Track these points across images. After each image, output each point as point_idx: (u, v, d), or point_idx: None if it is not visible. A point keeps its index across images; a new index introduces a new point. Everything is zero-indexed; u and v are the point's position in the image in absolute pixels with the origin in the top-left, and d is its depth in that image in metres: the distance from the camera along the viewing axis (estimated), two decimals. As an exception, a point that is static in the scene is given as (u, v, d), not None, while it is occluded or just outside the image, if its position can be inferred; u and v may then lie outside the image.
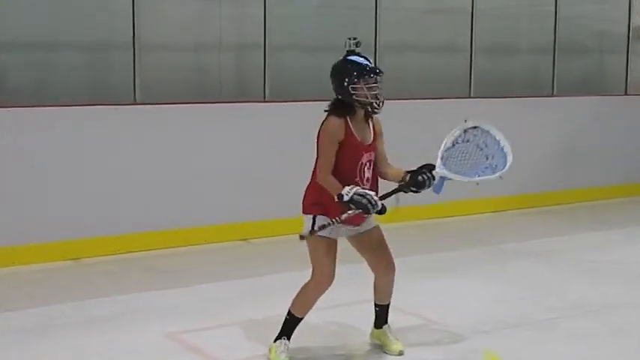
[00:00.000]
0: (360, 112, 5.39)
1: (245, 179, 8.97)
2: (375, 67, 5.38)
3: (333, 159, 5.30)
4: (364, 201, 5.15)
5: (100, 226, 8.27)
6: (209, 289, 7.30)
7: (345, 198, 5.14)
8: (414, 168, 5.49)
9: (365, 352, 5.85)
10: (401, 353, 5.75)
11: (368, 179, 5.44)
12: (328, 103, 5.46)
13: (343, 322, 6.37)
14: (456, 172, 5.61)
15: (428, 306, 6.78)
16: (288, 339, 5.52)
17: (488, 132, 5.77)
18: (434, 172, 5.47)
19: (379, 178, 5.57)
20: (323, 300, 6.28)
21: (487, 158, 5.73)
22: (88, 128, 8.20)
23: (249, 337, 6.01)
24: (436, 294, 7.20)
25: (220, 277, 7.66)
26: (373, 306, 5.87)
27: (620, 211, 11.26)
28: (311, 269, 5.47)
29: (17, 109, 7.91)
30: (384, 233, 5.68)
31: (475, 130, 5.75)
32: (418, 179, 5.42)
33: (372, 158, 5.48)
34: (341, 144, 5.31)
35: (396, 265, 5.78)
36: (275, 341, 5.52)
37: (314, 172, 5.41)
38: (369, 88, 5.29)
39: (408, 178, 5.46)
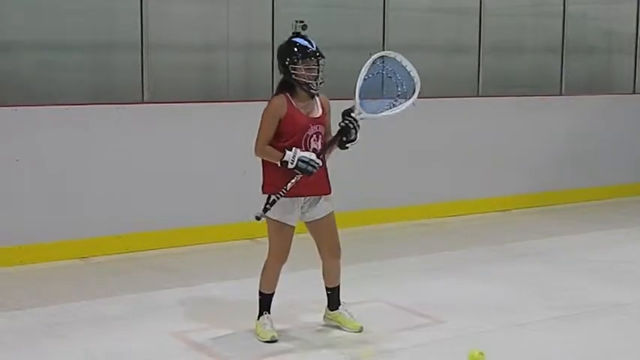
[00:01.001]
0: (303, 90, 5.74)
1: (252, 178, 8.94)
2: (317, 51, 5.71)
3: (271, 134, 5.70)
4: (310, 168, 5.57)
5: (108, 225, 8.30)
6: (216, 288, 7.33)
7: (290, 165, 5.56)
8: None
9: (368, 350, 5.88)
10: (361, 329, 6.00)
11: (314, 150, 5.74)
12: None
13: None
14: (374, 110, 5.79)
15: (430, 304, 6.79)
16: (269, 312, 5.96)
17: (394, 59, 5.89)
18: (353, 116, 5.67)
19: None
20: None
21: (397, 86, 5.85)
22: (96, 127, 8.23)
23: (255, 336, 6.01)
24: (438, 292, 7.21)
25: (227, 276, 7.69)
26: (325, 290, 6.10)
27: (627, 211, 11.23)
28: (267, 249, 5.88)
29: (24, 109, 7.94)
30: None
31: (382, 59, 5.88)
32: (341, 126, 5.68)
33: (321, 131, 5.80)
34: (284, 119, 5.70)
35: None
36: (258, 318, 5.95)
37: None
38: (308, 69, 5.67)
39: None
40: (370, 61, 5.82)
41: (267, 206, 5.62)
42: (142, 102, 8.57)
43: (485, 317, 6.54)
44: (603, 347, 6.00)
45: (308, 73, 5.66)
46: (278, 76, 9.19)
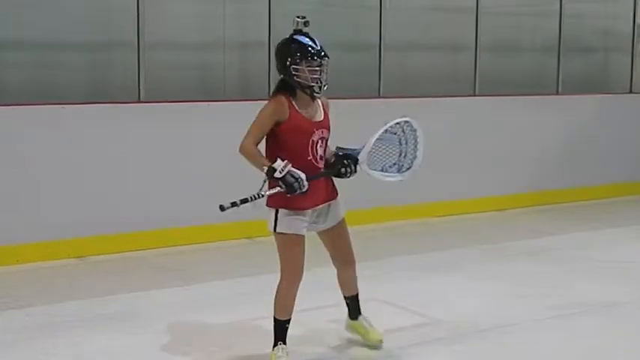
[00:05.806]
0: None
1: (249, 177, 8.94)
2: (320, 50, 5.25)
3: (263, 134, 5.26)
4: (296, 184, 5.07)
5: (105, 224, 8.29)
6: (214, 288, 7.33)
7: (277, 175, 5.07)
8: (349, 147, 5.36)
9: (366, 351, 5.88)
10: (381, 342, 5.75)
11: (321, 157, 5.38)
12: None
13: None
14: (374, 168, 5.46)
15: (428, 304, 6.79)
16: (284, 342, 5.43)
17: (415, 131, 5.55)
18: (358, 166, 5.35)
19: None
20: (328, 300, 6.31)
21: (399, 154, 5.54)
22: (93, 126, 8.21)
23: (254, 335, 6.03)
24: (436, 292, 7.21)
25: (225, 276, 7.68)
26: (343, 299, 5.84)
27: (624, 210, 11.24)
28: (280, 269, 5.44)
29: (21, 107, 7.94)
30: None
31: (406, 124, 5.52)
32: (340, 171, 5.33)
33: (325, 136, 5.40)
34: (285, 123, 5.24)
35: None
36: (273, 349, 5.44)
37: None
38: (311, 71, 5.21)
39: (333, 161, 5.38)
40: (395, 121, 5.44)
41: (237, 202, 5.21)
42: (139, 101, 8.56)
43: (482, 316, 6.54)
44: (600, 346, 6.01)
45: (311, 75, 5.18)
46: (274, 75, 9.31)
